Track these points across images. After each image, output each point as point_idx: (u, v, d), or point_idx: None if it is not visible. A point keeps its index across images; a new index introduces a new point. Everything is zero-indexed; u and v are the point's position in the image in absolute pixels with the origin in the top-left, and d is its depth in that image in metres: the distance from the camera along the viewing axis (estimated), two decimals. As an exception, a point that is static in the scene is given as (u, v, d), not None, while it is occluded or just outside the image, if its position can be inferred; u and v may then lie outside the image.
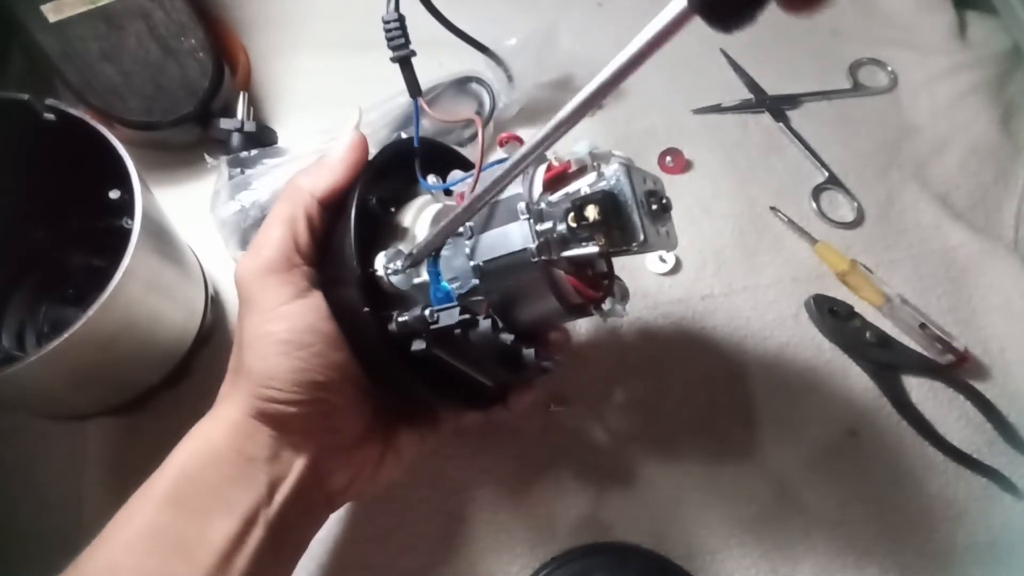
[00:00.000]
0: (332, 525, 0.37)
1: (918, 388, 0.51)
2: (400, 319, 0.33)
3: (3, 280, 0.48)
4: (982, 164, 0.58)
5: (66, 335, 0.34)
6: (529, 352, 0.35)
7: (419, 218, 0.37)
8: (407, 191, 0.38)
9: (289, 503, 0.33)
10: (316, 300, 0.34)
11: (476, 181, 0.34)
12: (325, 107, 0.57)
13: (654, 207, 0.32)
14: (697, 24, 0.20)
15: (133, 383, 0.45)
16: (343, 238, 0.34)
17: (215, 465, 0.32)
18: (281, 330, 0.33)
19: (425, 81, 0.54)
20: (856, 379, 0.51)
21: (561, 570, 0.44)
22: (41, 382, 0.38)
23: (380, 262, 0.33)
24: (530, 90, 0.56)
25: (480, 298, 0.35)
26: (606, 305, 0.36)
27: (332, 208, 0.36)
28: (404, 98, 0.54)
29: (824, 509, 0.47)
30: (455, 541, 0.45)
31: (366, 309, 0.33)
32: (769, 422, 0.49)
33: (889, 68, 0.62)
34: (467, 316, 0.32)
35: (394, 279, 0.33)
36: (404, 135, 0.51)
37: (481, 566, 0.45)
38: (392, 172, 0.37)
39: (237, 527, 0.31)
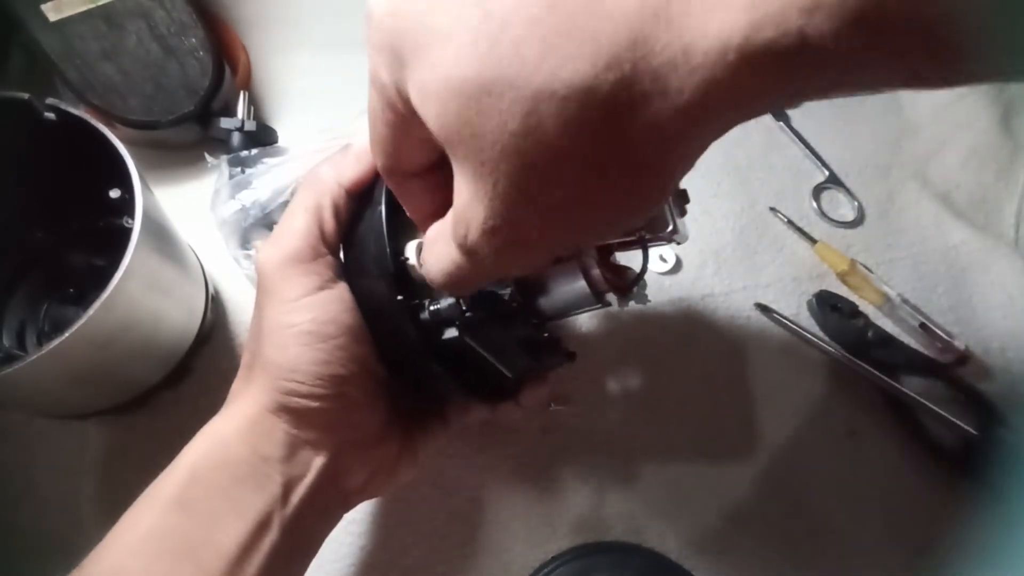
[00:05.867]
0: (332, 524, 0.37)
1: (919, 387, 0.50)
2: (432, 308, 0.32)
3: (3, 280, 0.48)
4: (983, 163, 0.58)
5: (67, 334, 0.34)
6: (555, 340, 0.35)
7: None
8: None
9: (305, 504, 0.32)
10: (340, 291, 0.33)
11: None
12: (326, 106, 0.57)
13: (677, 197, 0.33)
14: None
15: (134, 382, 0.45)
16: (372, 227, 0.33)
17: (226, 465, 0.31)
18: (304, 321, 0.32)
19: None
20: (856, 378, 0.51)
21: (561, 569, 0.44)
22: (41, 381, 0.38)
23: (411, 250, 0.33)
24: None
25: (508, 289, 0.35)
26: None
27: (357, 198, 0.35)
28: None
29: (824, 509, 0.47)
30: (455, 540, 0.45)
31: (400, 297, 0.32)
32: (769, 421, 0.49)
33: (890, 67, 0.62)
34: (501, 304, 0.32)
35: None
36: None
37: (481, 565, 0.45)
38: None
39: (249, 531, 0.30)
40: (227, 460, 0.32)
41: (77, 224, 0.48)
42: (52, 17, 0.49)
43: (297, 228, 0.33)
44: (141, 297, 0.39)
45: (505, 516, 0.46)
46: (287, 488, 0.32)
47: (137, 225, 0.37)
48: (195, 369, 0.48)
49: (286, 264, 0.33)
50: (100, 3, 0.50)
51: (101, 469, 0.46)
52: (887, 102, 0.61)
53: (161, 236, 0.41)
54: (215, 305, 0.50)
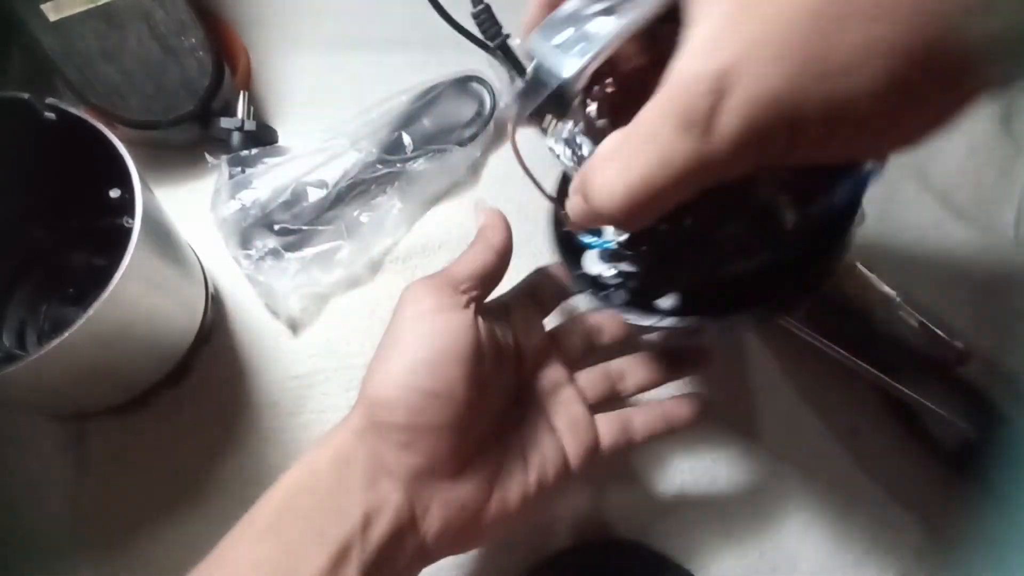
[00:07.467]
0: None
1: (919, 387, 0.50)
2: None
3: (3, 279, 0.48)
4: (982, 163, 0.58)
5: (67, 334, 0.34)
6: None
7: None
8: None
9: (385, 544, 0.31)
10: (457, 315, 0.34)
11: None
12: (326, 106, 0.57)
13: None
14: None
15: (134, 382, 0.45)
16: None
17: (312, 492, 0.32)
18: (406, 332, 0.33)
19: (425, 81, 0.54)
20: (856, 378, 0.51)
21: (561, 569, 0.44)
22: (42, 381, 0.38)
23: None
24: (531, 89, 0.56)
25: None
26: None
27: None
28: (404, 97, 0.54)
29: (824, 508, 0.47)
30: (456, 540, 0.45)
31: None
32: (769, 420, 0.49)
33: (890, 67, 0.62)
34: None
35: None
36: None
37: (481, 564, 0.45)
38: None
39: (330, 559, 0.30)
40: (314, 487, 0.32)
41: (77, 224, 0.48)
42: (52, 17, 0.49)
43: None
44: (141, 297, 0.39)
45: (505, 516, 0.46)
46: (366, 520, 0.31)
47: (137, 225, 0.37)
48: (195, 369, 0.48)
49: (420, 282, 0.35)
50: (100, 3, 0.50)
51: (101, 469, 0.46)
52: (887, 102, 0.61)
53: (161, 236, 0.41)
54: (215, 305, 0.50)
